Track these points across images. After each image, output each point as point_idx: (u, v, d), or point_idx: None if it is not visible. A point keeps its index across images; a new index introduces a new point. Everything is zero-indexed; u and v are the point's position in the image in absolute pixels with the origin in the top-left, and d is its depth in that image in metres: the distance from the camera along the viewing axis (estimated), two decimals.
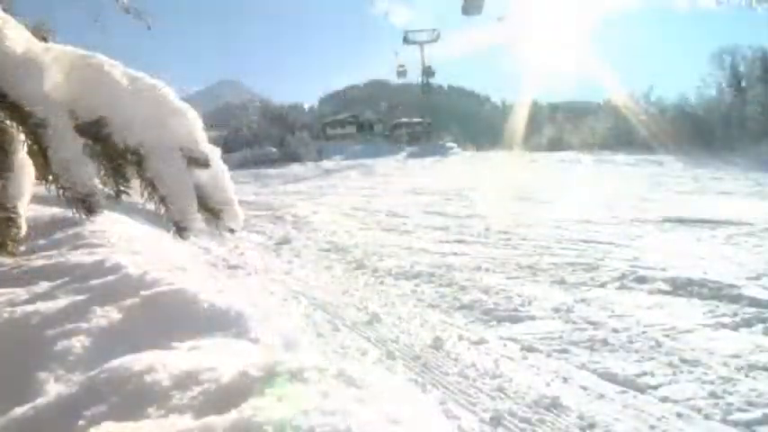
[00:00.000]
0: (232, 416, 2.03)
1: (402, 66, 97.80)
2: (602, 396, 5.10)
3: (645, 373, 5.51)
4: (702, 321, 6.80)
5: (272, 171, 53.86)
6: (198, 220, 2.15)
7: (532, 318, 7.29)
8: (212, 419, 2.04)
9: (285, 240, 13.99)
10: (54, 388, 3.00)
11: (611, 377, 5.49)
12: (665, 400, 4.97)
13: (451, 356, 6.16)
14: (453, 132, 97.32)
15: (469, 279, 9.09)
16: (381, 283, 9.29)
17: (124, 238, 8.25)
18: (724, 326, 6.62)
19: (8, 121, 1.79)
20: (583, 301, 7.79)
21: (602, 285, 8.44)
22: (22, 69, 1.76)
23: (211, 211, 2.22)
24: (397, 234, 14.06)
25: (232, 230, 2.26)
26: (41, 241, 7.89)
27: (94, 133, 1.92)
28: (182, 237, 2.07)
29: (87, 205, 1.93)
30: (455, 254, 11.19)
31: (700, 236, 11.78)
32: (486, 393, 5.21)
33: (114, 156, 2.00)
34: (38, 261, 6.65)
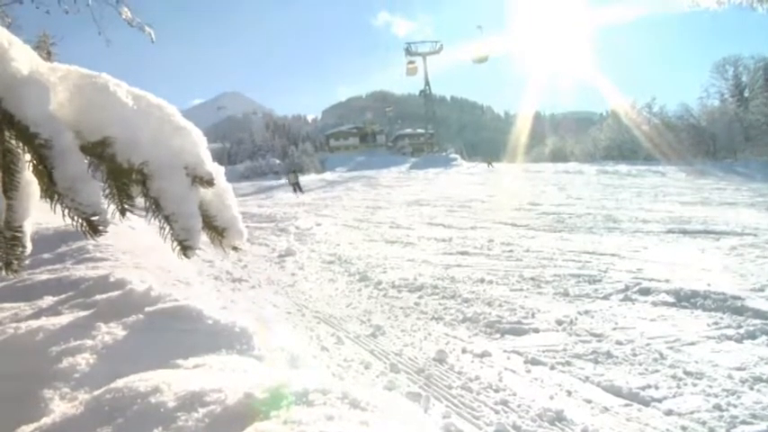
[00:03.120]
0: None
1: (412, 62, 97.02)
2: (606, 409, 5.09)
3: (649, 386, 5.50)
4: (706, 333, 6.79)
5: (275, 183, 53.83)
6: (202, 238, 2.16)
7: (536, 330, 7.28)
8: None
9: (289, 253, 14.00)
10: (59, 407, 3.00)
11: (615, 390, 5.48)
12: (669, 413, 4.96)
13: (455, 369, 6.15)
14: (456, 143, 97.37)
15: (473, 291, 9.08)
16: (385, 295, 9.29)
17: (128, 252, 8.27)
18: (728, 338, 6.60)
19: (14, 141, 1.80)
20: (586, 313, 7.78)
21: (606, 297, 8.43)
22: (28, 90, 1.77)
23: (215, 229, 2.23)
24: (400, 246, 14.07)
25: (236, 248, 2.27)
26: (46, 255, 7.91)
27: (99, 153, 1.93)
28: (186, 255, 2.08)
29: (92, 225, 1.94)
30: (458, 266, 11.19)
31: (703, 247, 11.77)
32: (489, 407, 5.20)
33: (119, 175, 2.01)
34: (42, 275, 6.65)
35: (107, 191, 2.07)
